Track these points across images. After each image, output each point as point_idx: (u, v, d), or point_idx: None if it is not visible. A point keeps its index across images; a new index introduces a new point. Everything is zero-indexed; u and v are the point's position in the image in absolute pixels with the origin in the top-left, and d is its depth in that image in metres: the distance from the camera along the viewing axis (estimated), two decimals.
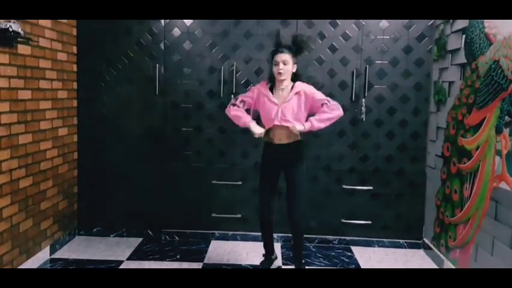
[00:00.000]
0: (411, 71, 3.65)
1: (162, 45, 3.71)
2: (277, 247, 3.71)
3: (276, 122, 2.92)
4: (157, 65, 3.69)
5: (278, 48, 2.92)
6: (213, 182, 3.76)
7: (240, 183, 3.74)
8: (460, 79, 3.18)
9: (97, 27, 3.69)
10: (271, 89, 3.00)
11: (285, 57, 2.88)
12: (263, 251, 3.30)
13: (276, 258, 3.34)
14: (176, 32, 3.72)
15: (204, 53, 3.71)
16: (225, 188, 3.76)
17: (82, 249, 3.60)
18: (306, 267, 3.31)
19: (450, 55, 3.34)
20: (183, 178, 3.80)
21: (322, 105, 2.92)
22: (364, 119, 3.67)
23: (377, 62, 3.66)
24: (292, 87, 2.95)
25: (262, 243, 3.30)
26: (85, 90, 3.76)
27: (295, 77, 2.99)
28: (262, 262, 3.29)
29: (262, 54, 3.67)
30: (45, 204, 3.38)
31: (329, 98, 2.95)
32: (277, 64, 2.89)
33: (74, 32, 3.72)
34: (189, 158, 3.79)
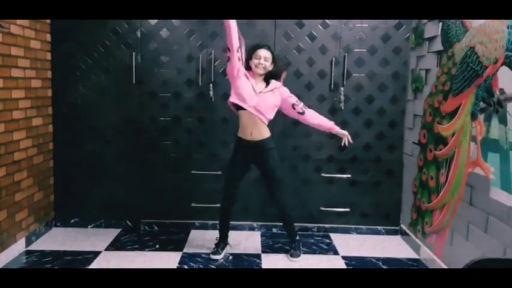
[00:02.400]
0: (389, 59, 3.65)
1: (139, 33, 3.63)
2: (257, 235, 3.71)
3: (249, 108, 3.02)
4: (134, 54, 3.61)
5: (261, 45, 3.09)
6: (193, 172, 3.72)
7: (219, 173, 3.69)
8: (437, 66, 3.19)
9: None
10: None
11: (267, 54, 3.05)
12: (225, 238, 3.41)
13: (228, 244, 3.41)
14: (153, 20, 3.64)
15: (182, 41, 3.65)
16: (204, 178, 3.72)
17: (59, 240, 3.53)
18: (285, 253, 3.37)
19: (427, 43, 3.35)
20: (162, 168, 3.75)
21: (293, 105, 3.13)
22: (343, 108, 3.67)
23: (355, 50, 3.65)
24: (267, 84, 3.11)
25: (227, 231, 3.40)
26: (60, 79, 3.66)
27: (268, 76, 3.12)
28: (217, 243, 3.36)
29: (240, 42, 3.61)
30: (20, 196, 3.29)
31: (297, 99, 3.17)
32: (258, 58, 3.04)
33: (48, 19, 3.60)
34: (168, 148, 3.74)
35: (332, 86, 3.65)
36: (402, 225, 3.76)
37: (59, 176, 3.76)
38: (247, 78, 3.06)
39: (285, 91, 3.16)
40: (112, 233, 3.71)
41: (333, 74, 3.63)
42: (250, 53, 3.09)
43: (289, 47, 3.64)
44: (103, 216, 3.80)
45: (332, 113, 3.70)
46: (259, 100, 3.03)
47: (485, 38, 2.54)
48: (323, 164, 3.75)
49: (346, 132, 3.20)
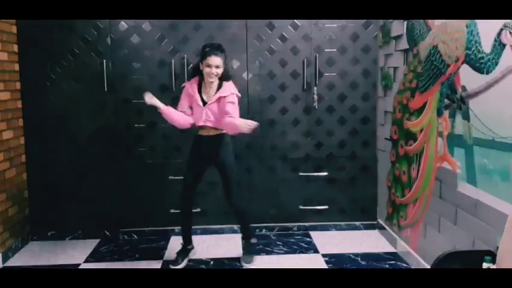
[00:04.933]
0: (359, 58, 3.82)
1: (108, 40, 3.70)
2: (238, 238, 3.75)
3: (202, 123, 3.14)
4: (104, 61, 3.67)
5: (212, 49, 3.05)
6: (170, 177, 3.81)
7: None
8: (404, 64, 3.36)
9: (38, 24, 3.62)
10: (200, 85, 3.19)
11: (219, 61, 3.05)
12: (189, 243, 3.46)
13: (193, 248, 3.49)
14: (123, 26, 3.71)
15: (153, 47, 3.73)
16: (182, 183, 3.81)
17: (36, 255, 3.57)
18: (266, 255, 3.50)
19: (394, 41, 3.52)
20: (138, 175, 3.82)
21: (226, 113, 3.10)
22: (316, 107, 3.81)
23: (326, 50, 3.80)
24: (220, 85, 3.14)
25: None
26: (30, 90, 3.70)
27: (225, 77, 3.15)
28: (179, 252, 3.41)
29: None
30: None
31: (233, 110, 3.12)
32: (210, 67, 3.04)
33: (14, 29, 3.63)
34: (144, 154, 3.82)
35: (305, 86, 3.79)
36: (379, 220, 3.94)
37: (33, 189, 3.79)
38: (192, 95, 3.15)
39: (227, 102, 3.09)
40: (91, 244, 3.77)
41: (305, 74, 3.77)
42: (201, 58, 3.09)
43: (261, 48, 3.77)
44: (80, 227, 3.85)
45: (306, 112, 3.85)
46: (208, 112, 3.12)
47: (447, 36, 2.71)
48: (300, 163, 3.89)
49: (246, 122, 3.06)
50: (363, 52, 3.82)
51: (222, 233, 3.94)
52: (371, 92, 3.87)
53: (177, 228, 3.90)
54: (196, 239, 3.79)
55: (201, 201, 3.85)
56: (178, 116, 3.17)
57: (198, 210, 3.85)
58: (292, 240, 3.80)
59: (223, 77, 3.15)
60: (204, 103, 3.14)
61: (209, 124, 3.15)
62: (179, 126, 3.23)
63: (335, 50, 3.81)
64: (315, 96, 3.80)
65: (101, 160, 3.80)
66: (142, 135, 3.81)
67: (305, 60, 3.77)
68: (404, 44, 3.34)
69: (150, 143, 3.82)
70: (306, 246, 3.70)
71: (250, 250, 3.45)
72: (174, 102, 3.73)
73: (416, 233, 3.22)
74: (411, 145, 3.25)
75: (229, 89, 3.15)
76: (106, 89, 3.71)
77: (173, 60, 3.71)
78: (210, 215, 3.89)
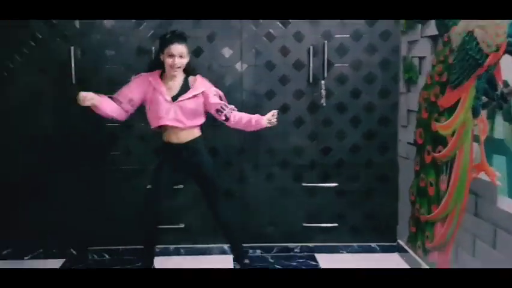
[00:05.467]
0: (376, 45, 3.68)
1: (77, 23, 3.57)
2: (229, 261, 3.66)
3: (167, 122, 3.05)
4: (72, 48, 3.53)
5: (174, 37, 3.01)
6: (148, 186, 3.59)
7: (181, 186, 3.66)
8: (432, 54, 3.23)
9: None
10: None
11: (182, 49, 3.01)
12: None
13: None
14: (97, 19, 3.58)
15: (130, 32, 3.60)
16: (146, 194, 3.61)
17: None
18: None
19: (420, 26, 3.38)
20: (111, 184, 3.71)
21: (217, 110, 3.12)
22: (324, 104, 3.67)
23: (336, 36, 3.66)
24: (185, 80, 3.12)
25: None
26: None
27: (190, 70, 3.15)
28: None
29: (200, 31, 3.60)
30: None
31: (224, 103, 3.15)
32: (172, 56, 2.99)
33: None
34: (117, 159, 3.70)
35: (311, 79, 3.65)
36: (399, 241, 3.80)
37: None
38: (154, 87, 3.06)
39: (209, 96, 3.11)
40: (54, 264, 3.67)
41: (311, 64, 3.63)
42: (161, 47, 3.04)
43: (258, 34, 3.63)
44: (41, 245, 3.74)
45: (311, 110, 3.71)
46: (177, 109, 3.04)
47: (486, 21, 2.54)
48: (303, 171, 3.76)
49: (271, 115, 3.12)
50: (381, 39, 3.67)
51: (210, 253, 3.82)
52: (390, 87, 3.73)
53: (157, 248, 3.71)
54: (179, 261, 3.70)
55: (184, 216, 3.75)
56: (109, 109, 3.01)
57: (182, 226, 3.75)
58: (294, 263, 3.68)
59: (189, 71, 3.14)
60: (172, 99, 3.06)
61: (176, 125, 3.05)
62: (115, 119, 3.10)
63: (348, 35, 3.67)
64: (323, 92, 3.65)
65: (66, 165, 3.67)
66: (116, 136, 3.68)
67: (311, 48, 3.62)
68: (432, 29, 3.20)
69: (125, 146, 3.71)
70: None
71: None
72: None
73: (446, 257, 3.07)
74: (440, 151, 3.10)
75: (204, 83, 3.15)
76: (73, 81, 3.57)
77: (153, 48, 3.54)
78: (195, 232, 3.77)
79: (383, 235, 3.84)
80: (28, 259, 3.72)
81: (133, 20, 3.57)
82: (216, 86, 3.23)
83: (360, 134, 3.75)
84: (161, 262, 3.62)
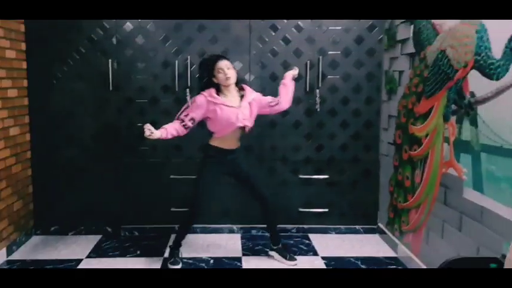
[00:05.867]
0: (363, 61, 3.58)
1: (114, 40, 3.49)
2: (237, 238, 3.62)
3: (239, 124, 2.90)
4: (110, 61, 3.46)
5: (217, 56, 2.95)
6: (171, 176, 3.60)
7: (194, 177, 3.55)
8: (409, 68, 3.14)
9: (46, 23, 3.41)
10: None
11: (227, 63, 2.91)
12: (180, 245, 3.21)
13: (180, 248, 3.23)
14: (128, 26, 3.49)
15: (157, 47, 3.52)
16: (183, 182, 3.58)
17: (40, 249, 3.39)
18: (265, 256, 3.30)
19: (400, 45, 3.28)
20: (140, 174, 3.62)
21: (270, 105, 3.05)
22: (319, 110, 3.59)
23: (329, 52, 3.56)
24: (239, 90, 2.99)
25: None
26: (36, 88, 3.50)
27: (238, 81, 3.01)
28: (171, 252, 3.17)
29: (216, 47, 3.51)
30: (0, 206, 3.14)
31: (270, 97, 3.09)
32: (222, 71, 2.87)
33: (22, 28, 3.43)
34: (146, 153, 3.61)
35: (308, 89, 3.56)
36: (380, 224, 3.70)
37: (38, 185, 3.61)
38: (215, 103, 2.88)
39: (260, 98, 3.04)
40: (93, 239, 3.58)
41: (308, 76, 3.54)
42: (209, 71, 2.91)
43: (264, 50, 3.54)
44: (82, 223, 3.67)
45: (308, 114, 3.62)
46: (242, 112, 2.91)
47: (456, 41, 2.48)
48: (300, 165, 3.67)
49: (294, 72, 3.18)
50: (367, 55, 3.57)
51: (221, 232, 3.73)
52: (374, 96, 3.63)
53: (177, 227, 3.64)
54: (196, 238, 3.64)
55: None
56: (176, 131, 2.90)
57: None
58: (291, 242, 3.57)
59: (238, 82, 2.99)
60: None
61: (247, 123, 2.92)
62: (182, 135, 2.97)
63: (339, 52, 3.57)
64: (318, 99, 3.57)
65: (104, 158, 3.61)
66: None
67: (308, 62, 3.53)
68: (410, 47, 3.10)
69: (152, 142, 3.54)
70: (305, 248, 3.46)
71: (285, 250, 3.27)
72: (176, 103, 3.54)
73: (418, 239, 2.99)
74: (415, 150, 3.01)
75: (250, 89, 3.05)
76: (110, 88, 3.50)
77: (176, 61, 3.49)
78: (208, 214, 3.65)
79: (366, 219, 3.75)
80: (72, 235, 3.66)
81: (160, 38, 3.50)
82: None
83: (348, 135, 3.66)
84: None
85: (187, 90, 3.50)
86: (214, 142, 3.00)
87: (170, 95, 3.55)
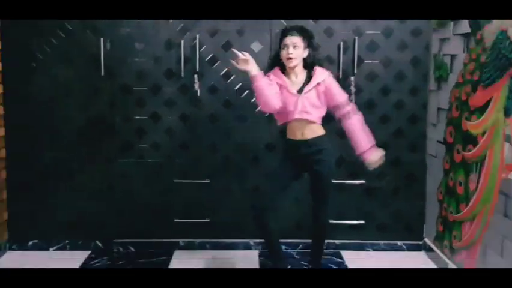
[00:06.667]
0: (407, 42, 3.74)
1: None
2: (254, 255, 3.82)
3: (296, 115, 3.07)
4: (102, 40, 3.65)
5: (288, 29, 3.06)
6: (175, 180, 3.80)
7: (207, 181, 3.80)
8: (464, 52, 3.27)
9: None
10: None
11: (296, 39, 3.02)
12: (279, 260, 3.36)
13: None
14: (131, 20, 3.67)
15: (159, 25, 3.69)
16: (189, 187, 3.81)
17: (15, 266, 3.54)
18: None
19: (452, 23, 3.43)
20: (138, 177, 3.82)
21: (337, 106, 3.13)
22: (354, 101, 3.69)
23: (367, 32, 3.73)
24: (309, 74, 3.11)
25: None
26: (12, 72, 3.71)
27: (310, 64, 3.12)
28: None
29: (230, 24, 3.70)
30: None
31: (345, 99, 3.15)
32: (286, 47, 3.02)
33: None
34: (145, 152, 3.81)
35: (341, 75, 3.70)
36: (426, 240, 3.87)
37: (13, 190, 3.81)
38: (280, 84, 3.07)
39: (331, 86, 3.11)
40: (79, 256, 3.77)
41: (341, 60, 3.70)
42: (279, 43, 3.10)
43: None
44: (67, 236, 3.86)
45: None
46: (304, 101, 3.06)
47: None
48: None
49: (379, 153, 3.19)
50: (412, 35, 3.75)
51: (235, 248, 3.92)
52: (421, 85, 3.80)
53: (182, 241, 3.91)
54: (204, 254, 3.82)
55: (210, 211, 3.84)
56: (272, 92, 3.02)
57: (207, 220, 3.84)
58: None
59: (309, 64, 3.12)
60: (298, 92, 3.08)
61: (305, 117, 3.07)
62: (266, 106, 3.06)
63: (379, 32, 3.74)
64: (353, 88, 3.73)
65: (94, 158, 3.80)
66: (143, 129, 3.80)
67: (342, 43, 3.70)
68: (465, 26, 3.25)
69: (152, 139, 3.82)
70: (335, 268, 3.66)
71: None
72: (182, 91, 3.75)
73: (473, 257, 3.15)
74: (470, 150, 3.18)
75: (323, 71, 3.14)
76: (102, 74, 3.70)
77: (182, 41, 3.68)
78: (220, 226, 3.87)
79: (409, 234, 3.90)
80: (54, 250, 3.84)
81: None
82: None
83: (389, 132, 3.80)
84: (185, 255, 3.80)
85: (195, 76, 3.70)
86: (287, 133, 3.21)
87: (175, 81, 3.74)
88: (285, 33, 3.06)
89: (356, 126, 3.15)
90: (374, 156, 3.16)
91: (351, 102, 3.65)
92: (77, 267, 3.62)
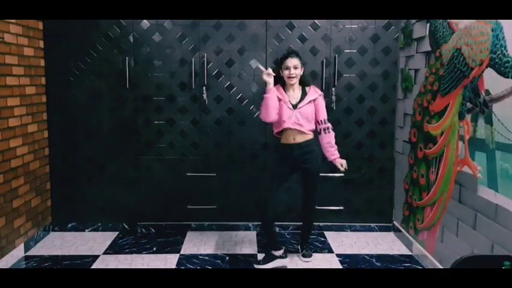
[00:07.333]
0: (379, 59, 3.71)
1: (131, 38, 3.66)
2: (253, 235, 3.78)
3: (290, 125, 3.08)
4: (127, 58, 3.64)
5: (288, 53, 3.09)
6: (188, 174, 3.77)
7: (214, 174, 3.77)
8: (425, 66, 3.25)
9: (64, 21, 3.60)
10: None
11: (296, 62, 3.05)
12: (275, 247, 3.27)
13: (284, 257, 3.23)
14: (145, 24, 3.67)
15: (174, 45, 3.68)
16: (199, 179, 3.78)
17: (57, 245, 3.57)
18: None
19: (415, 43, 3.40)
20: (157, 171, 3.80)
21: (319, 121, 3.16)
22: (335, 108, 3.71)
23: (345, 51, 3.70)
24: (303, 90, 3.14)
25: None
26: (54, 85, 3.69)
27: (306, 82, 3.17)
28: (264, 257, 3.24)
29: (232, 45, 3.68)
30: (18, 202, 3.33)
31: (325, 117, 3.18)
32: (288, 69, 3.04)
33: (41, 26, 3.63)
34: (162, 150, 3.78)
35: (324, 87, 3.68)
36: (394, 222, 3.84)
37: (56, 181, 3.80)
38: (280, 98, 3.07)
39: (319, 103, 3.15)
40: (110, 236, 3.76)
41: (324, 74, 3.67)
42: (279, 65, 3.11)
43: (280, 48, 3.67)
44: (99, 219, 3.85)
45: None
46: (298, 114, 3.07)
47: (471, 40, 2.60)
48: None
49: (343, 162, 3.21)
50: (383, 53, 3.71)
51: (237, 229, 3.89)
52: (390, 94, 3.76)
53: (193, 224, 3.87)
54: (211, 235, 3.78)
55: (217, 199, 3.82)
56: (275, 106, 3.04)
57: (214, 207, 3.82)
58: None
59: (305, 82, 3.16)
60: (293, 106, 3.09)
61: (297, 127, 3.08)
62: (267, 116, 3.06)
63: (355, 51, 3.70)
64: (334, 97, 3.70)
65: (121, 154, 3.79)
66: (161, 131, 3.77)
67: (324, 60, 3.67)
68: (426, 46, 3.22)
69: (169, 139, 3.79)
70: (320, 245, 3.62)
71: (309, 248, 3.44)
72: (193, 100, 3.72)
73: (433, 237, 3.11)
74: (430, 148, 3.14)
75: (317, 91, 3.18)
76: (127, 86, 3.68)
77: (193, 59, 3.66)
78: (225, 212, 3.84)
79: (380, 217, 3.87)
80: (89, 231, 3.83)
81: (177, 36, 3.66)
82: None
83: (363, 133, 3.78)
84: (196, 236, 3.76)
85: (204, 88, 3.67)
86: (281, 139, 3.20)
87: (187, 92, 3.72)
88: (286, 56, 3.07)
89: (331, 142, 3.20)
90: (341, 162, 3.21)
91: (332, 110, 3.68)
92: (108, 244, 3.60)
